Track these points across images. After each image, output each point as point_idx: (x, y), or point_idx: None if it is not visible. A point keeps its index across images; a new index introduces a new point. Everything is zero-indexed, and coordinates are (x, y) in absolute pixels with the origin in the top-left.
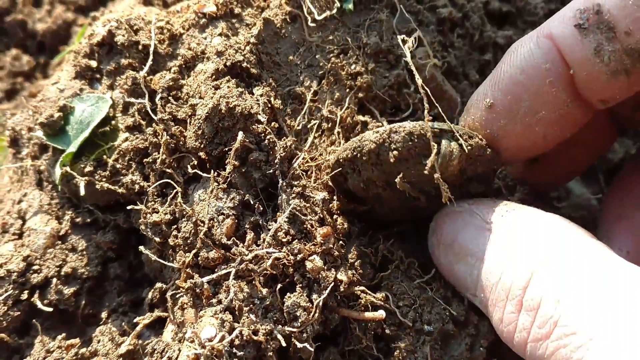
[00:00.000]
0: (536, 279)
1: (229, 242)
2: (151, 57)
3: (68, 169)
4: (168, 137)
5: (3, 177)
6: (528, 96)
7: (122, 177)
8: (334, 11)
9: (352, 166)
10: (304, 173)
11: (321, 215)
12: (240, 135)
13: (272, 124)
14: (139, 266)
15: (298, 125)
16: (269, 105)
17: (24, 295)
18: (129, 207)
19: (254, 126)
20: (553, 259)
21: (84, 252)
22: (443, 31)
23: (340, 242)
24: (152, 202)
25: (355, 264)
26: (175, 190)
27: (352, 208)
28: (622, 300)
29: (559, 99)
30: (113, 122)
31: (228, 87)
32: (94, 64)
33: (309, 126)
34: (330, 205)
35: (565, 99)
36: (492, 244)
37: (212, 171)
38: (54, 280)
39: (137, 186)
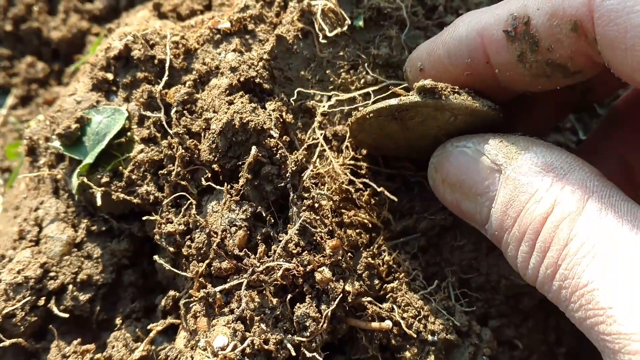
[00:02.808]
0: (552, 222)
1: (241, 253)
2: (167, 72)
3: (85, 179)
4: (183, 150)
5: (20, 184)
6: (448, 77)
7: (137, 187)
8: (345, 28)
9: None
10: (314, 185)
11: (331, 228)
12: (254, 149)
13: (284, 137)
14: (152, 273)
15: (309, 139)
16: (281, 120)
17: (41, 302)
18: (144, 218)
19: (266, 140)
20: (568, 199)
21: (99, 260)
22: None
23: (349, 253)
24: (167, 213)
25: (363, 275)
26: (189, 202)
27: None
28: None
29: (476, 87)
30: (129, 133)
31: (242, 102)
32: (110, 76)
33: (318, 137)
34: (339, 218)
35: (482, 87)
36: (504, 186)
37: (226, 184)
38: (70, 286)
39: (151, 197)
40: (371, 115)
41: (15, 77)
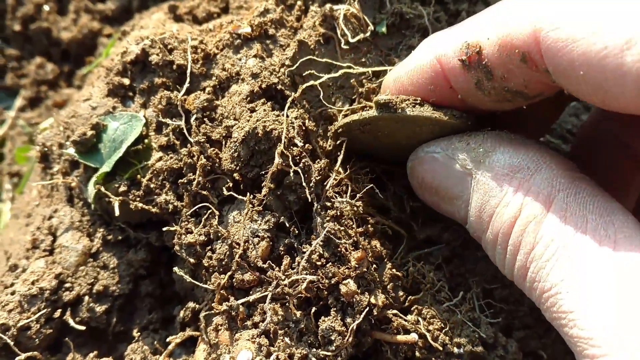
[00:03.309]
0: (519, 226)
1: (265, 265)
2: (188, 79)
3: (102, 188)
4: (204, 159)
5: (31, 190)
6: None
7: (155, 196)
8: (368, 34)
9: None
10: (336, 195)
11: (355, 239)
12: (277, 158)
13: (306, 145)
14: (169, 283)
15: (329, 146)
16: (303, 128)
17: (57, 314)
18: (164, 229)
19: (289, 148)
20: (534, 202)
21: (116, 270)
22: None
23: (374, 265)
24: (186, 222)
25: (388, 287)
26: (209, 211)
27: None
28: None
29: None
30: (146, 140)
31: (264, 110)
32: (126, 81)
33: (337, 143)
34: (363, 227)
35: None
36: (476, 190)
37: (248, 194)
38: (86, 298)
39: (170, 206)
40: (340, 130)
41: (24, 78)
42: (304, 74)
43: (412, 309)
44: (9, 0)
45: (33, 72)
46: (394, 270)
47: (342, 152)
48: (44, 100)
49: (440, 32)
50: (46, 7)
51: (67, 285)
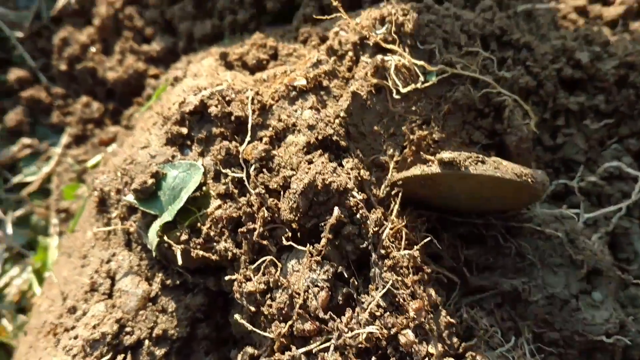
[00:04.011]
0: None
1: (326, 317)
2: (249, 133)
3: (165, 237)
4: (265, 210)
5: (85, 231)
6: None
7: (215, 244)
8: (419, 84)
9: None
10: (393, 244)
11: (412, 289)
12: (336, 211)
13: (361, 195)
14: (225, 326)
15: (383, 193)
16: (359, 179)
17: (119, 358)
18: (226, 278)
19: (347, 200)
20: None
21: (174, 314)
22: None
23: (430, 314)
24: (245, 270)
25: (444, 334)
26: (269, 259)
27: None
28: None
29: None
30: (204, 188)
31: (322, 162)
32: (184, 131)
33: (392, 193)
34: (420, 275)
35: None
36: None
37: (308, 245)
38: (146, 342)
39: (229, 253)
40: (399, 182)
41: (70, 116)
42: (357, 124)
43: (466, 355)
44: (55, 40)
45: (79, 110)
46: (448, 317)
47: (398, 202)
48: (90, 138)
49: None
50: (92, 48)
51: (128, 329)
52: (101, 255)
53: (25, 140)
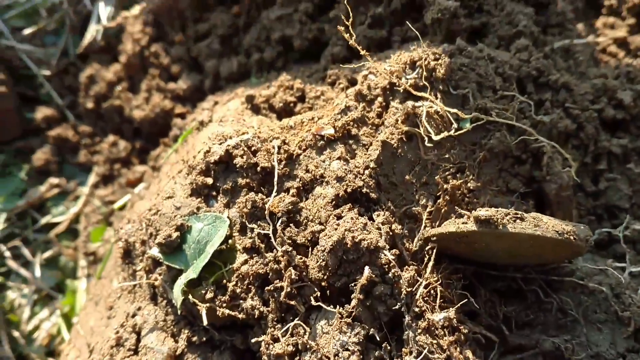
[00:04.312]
0: None
1: None
2: (275, 187)
3: (190, 296)
4: (292, 268)
5: (111, 280)
6: None
7: (241, 301)
8: (452, 132)
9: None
10: (427, 304)
11: (449, 352)
12: (367, 270)
13: (393, 251)
14: None
15: (415, 246)
16: (390, 234)
17: None
18: (252, 340)
19: (378, 259)
20: None
21: None
22: (557, 143)
23: None
24: (272, 329)
25: None
26: (297, 319)
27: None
28: None
29: None
30: (230, 241)
31: (352, 218)
32: (210, 181)
33: (426, 249)
34: (456, 336)
35: None
36: None
37: (338, 306)
38: None
39: (256, 312)
40: (434, 238)
41: (97, 154)
42: (387, 174)
43: None
44: (82, 78)
45: (106, 150)
46: None
47: (432, 258)
48: (117, 178)
49: None
50: (118, 87)
51: None
52: (127, 308)
53: (53, 180)
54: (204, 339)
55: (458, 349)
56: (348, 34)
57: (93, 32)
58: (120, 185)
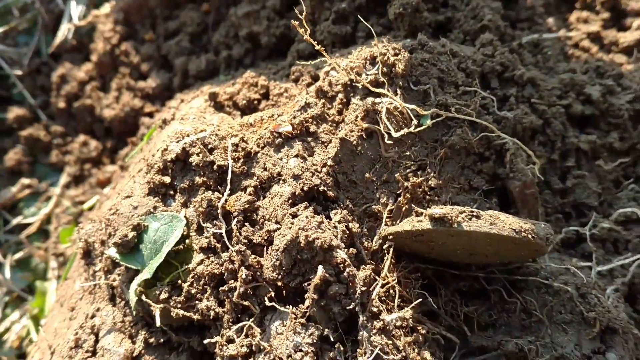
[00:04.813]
0: None
1: None
2: (228, 186)
3: (144, 297)
4: (245, 269)
5: (75, 281)
6: None
7: (197, 302)
8: (412, 128)
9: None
10: (384, 304)
11: (405, 353)
12: (320, 270)
13: (350, 250)
14: None
15: (375, 245)
16: (347, 232)
17: None
18: (205, 341)
19: (333, 258)
20: None
21: None
22: (523, 139)
23: None
24: (227, 330)
25: None
26: (250, 322)
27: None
28: None
29: None
30: (187, 241)
31: (306, 216)
32: (167, 180)
33: (384, 247)
34: (414, 336)
35: None
36: None
37: (291, 307)
38: None
39: (212, 312)
40: (391, 237)
41: (68, 155)
42: (347, 171)
43: None
44: (54, 78)
45: (77, 150)
46: None
47: (390, 257)
48: (88, 178)
49: None
50: (89, 86)
51: None
52: (86, 309)
53: (25, 181)
54: (162, 340)
55: (416, 350)
56: (303, 29)
57: (65, 31)
58: (91, 186)
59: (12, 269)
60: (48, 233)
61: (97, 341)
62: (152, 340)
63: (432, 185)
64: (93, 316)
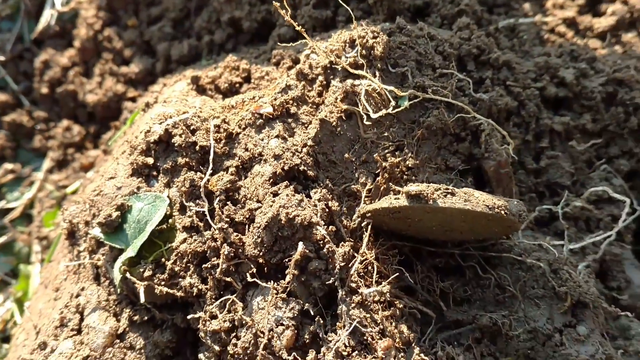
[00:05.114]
0: None
1: (290, 358)
2: (210, 165)
3: (128, 274)
4: (227, 246)
5: (59, 262)
6: None
7: (180, 279)
8: (390, 109)
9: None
10: (362, 279)
11: (382, 326)
12: (301, 246)
13: (330, 227)
14: None
15: (354, 223)
16: (327, 210)
17: None
18: (189, 317)
19: (313, 235)
20: None
21: (142, 351)
22: (498, 121)
23: (401, 353)
24: (210, 306)
25: None
26: (234, 296)
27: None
28: None
29: None
30: (170, 220)
31: (287, 195)
32: (150, 161)
33: (363, 224)
34: (391, 311)
35: None
36: None
37: (272, 282)
38: None
39: (195, 289)
40: (369, 214)
41: (51, 140)
42: (326, 152)
43: None
44: (37, 63)
45: (60, 135)
46: (422, 355)
47: (368, 234)
48: (71, 163)
49: None
50: (72, 71)
51: None
52: (71, 289)
53: (8, 166)
54: (146, 317)
55: (393, 324)
56: (284, 10)
57: (47, 17)
58: (74, 170)
59: None
60: (31, 217)
61: (82, 320)
62: (136, 317)
63: (410, 165)
64: (78, 295)
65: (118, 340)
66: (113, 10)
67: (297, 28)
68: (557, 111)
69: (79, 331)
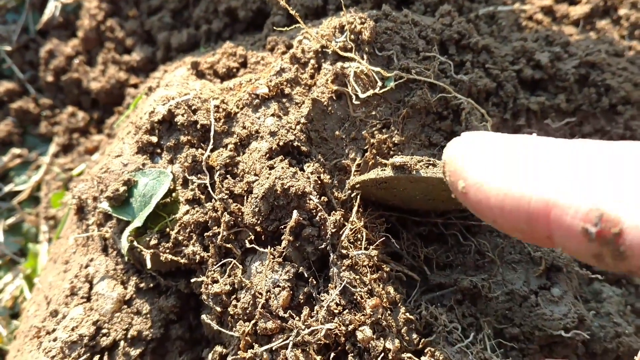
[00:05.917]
0: None
1: (286, 315)
2: (212, 141)
3: (135, 242)
4: (227, 215)
5: (68, 237)
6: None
7: (183, 247)
8: (377, 90)
9: (378, 185)
10: (352, 245)
11: (370, 287)
12: (295, 214)
13: (322, 198)
14: (197, 327)
15: (344, 195)
16: (319, 182)
17: (95, 359)
18: (192, 280)
19: (306, 204)
20: None
21: (148, 316)
22: (478, 101)
23: (388, 311)
24: (212, 272)
25: (402, 330)
26: (233, 262)
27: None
28: None
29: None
30: (174, 194)
31: (282, 167)
32: (154, 139)
33: (352, 195)
34: (379, 274)
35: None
36: None
37: (269, 246)
38: (122, 342)
39: (197, 256)
40: (358, 185)
41: (57, 125)
42: (319, 129)
43: (425, 351)
44: (42, 53)
45: (65, 120)
46: (407, 314)
47: (357, 203)
48: (76, 147)
49: (563, 168)
50: (76, 60)
51: (104, 331)
52: (80, 260)
53: (15, 151)
54: (151, 285)
55: (380, 285)
56: None
57: (52, 8)
58: (79, 154)
59: (4, 233)
60: (38, 199)
61: (91, 288)
62: (142, 285)
63: (396, 141)
64: (87, 266)
65: (125, 306)
66: (114, 1)
67: (292, 12)
68: (533, 92)
69: (89, 299)
